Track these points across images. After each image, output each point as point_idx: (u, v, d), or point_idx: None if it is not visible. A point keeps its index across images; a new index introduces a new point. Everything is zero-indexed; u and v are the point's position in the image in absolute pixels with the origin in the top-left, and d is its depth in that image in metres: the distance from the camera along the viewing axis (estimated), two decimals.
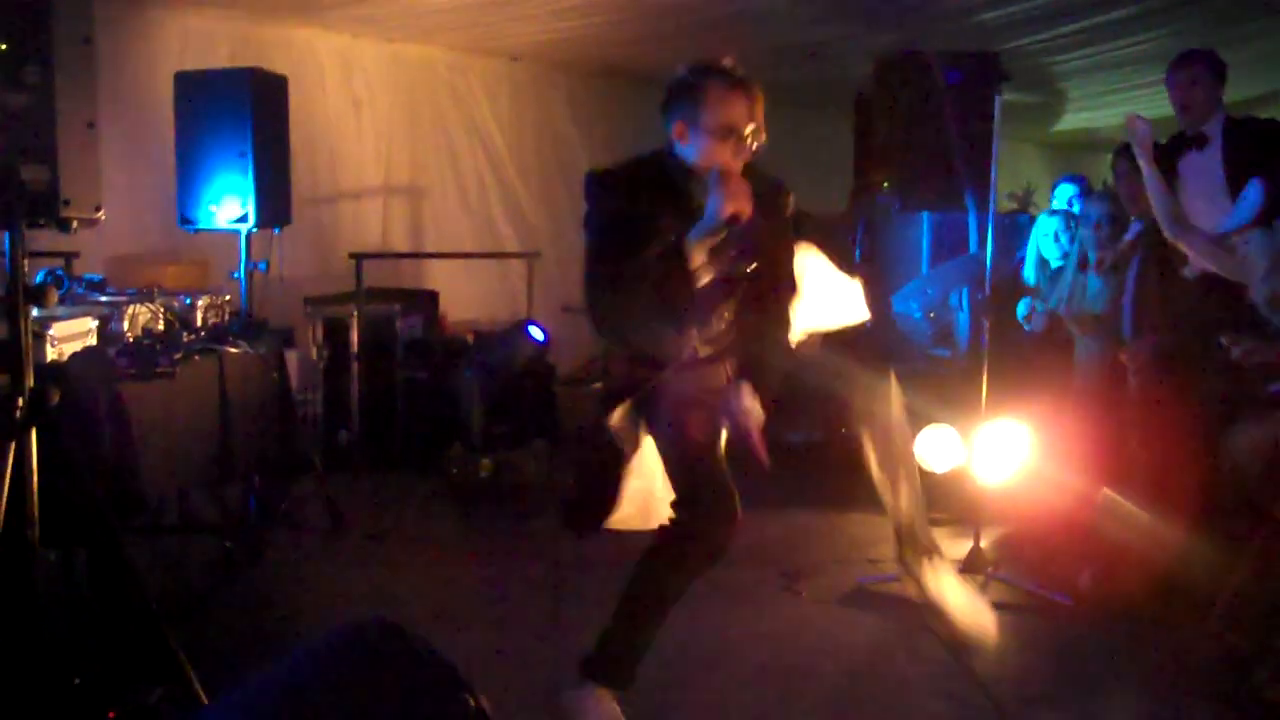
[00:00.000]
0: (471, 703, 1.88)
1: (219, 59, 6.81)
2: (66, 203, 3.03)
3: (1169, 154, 5.17)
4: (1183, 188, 5.09)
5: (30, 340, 3.05)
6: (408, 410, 6.98)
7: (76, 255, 5.33)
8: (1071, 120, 11.09)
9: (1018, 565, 4.87)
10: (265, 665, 2.06)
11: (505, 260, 8.50)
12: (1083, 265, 5.83)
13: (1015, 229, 6.85)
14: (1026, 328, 6.02)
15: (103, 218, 3.21)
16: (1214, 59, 5.05)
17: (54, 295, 3.03)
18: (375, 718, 1.80)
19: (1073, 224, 6.29)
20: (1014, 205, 8.76)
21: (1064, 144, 12.49)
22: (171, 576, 4.67)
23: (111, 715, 3.04)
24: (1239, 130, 4.97)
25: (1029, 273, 6.22)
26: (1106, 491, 4.43)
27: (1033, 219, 7.42)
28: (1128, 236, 5.53)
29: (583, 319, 3.61)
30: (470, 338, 7.45)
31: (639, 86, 9.60)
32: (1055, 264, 6.28)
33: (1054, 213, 6.23)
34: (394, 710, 1.82)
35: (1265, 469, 4.09)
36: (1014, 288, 6.42)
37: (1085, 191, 6.44)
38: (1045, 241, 6.20)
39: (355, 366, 6.82)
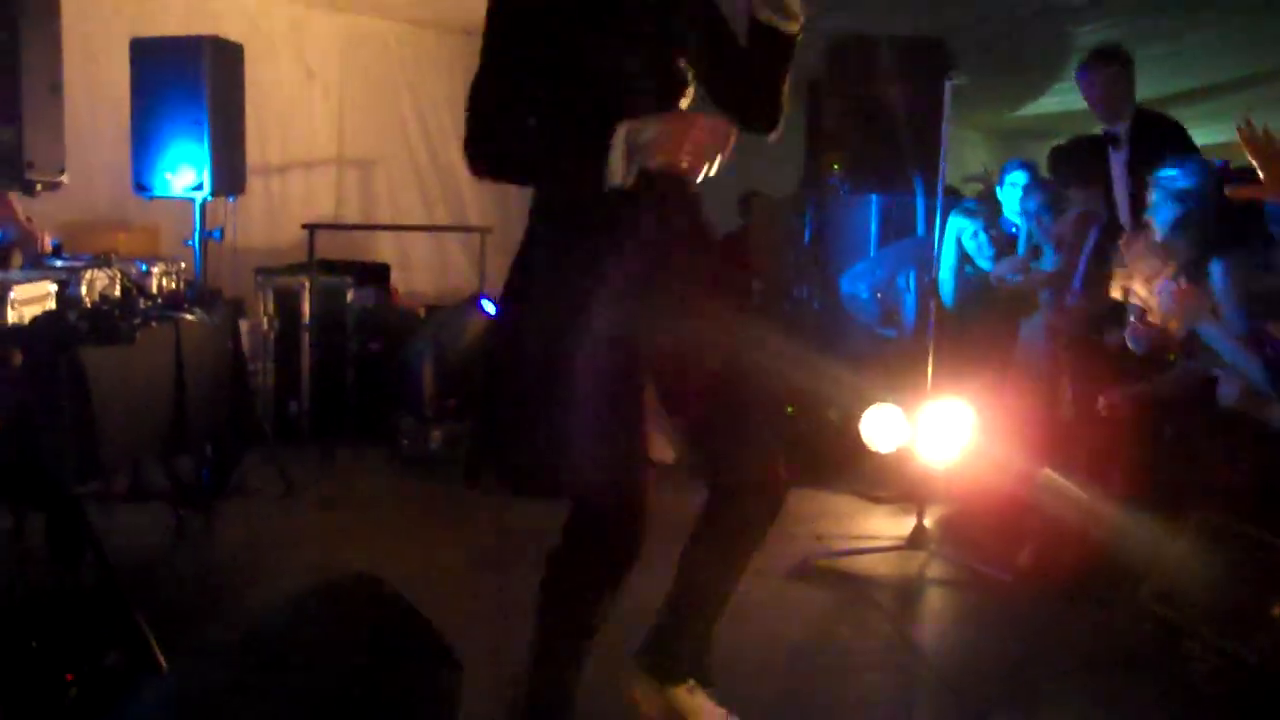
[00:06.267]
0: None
1: (171, 24, 6.75)
2: (30, 164, 3.04)
3: (1098, 152, 5.28)
4: (1114, 186, 5.21)
5: None
6: (358, 382, 6.97)
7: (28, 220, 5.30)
8: (1021, 107, 11.18)
9: (960, 543, 4.98)
10: (218, 632, 2.09)
11: (458, 234, 8.50)
12: (1035, 254, 5.95)
13: None
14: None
15: (65, 180, 3.22)
16: (1128, 57, 5.15)
17: (18, 257, 3.04)
18: (361, 661, 1.85)
19: (986, 216, 6.39)
20: (980, 187, 8.81)
21: (1009, 131, 12.58)
22: (123, 545, 4.67)
23: (69, 677, 3.06)
24: (1145, 131, 5.07)
25: (945, 278, 6.28)
26: (1046, 471, 4.53)
27: None
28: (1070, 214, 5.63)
29: None
30: (422, 311, 7.46)
31: None
32: (983, 260, 6.35)
33: (968, 213, 6.33)
34: (380, 657, 1.86)
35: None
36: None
37: (1035, 179, 6.55)
38: (968, 242, 6.28)
39: (306, 338, 6.83)
